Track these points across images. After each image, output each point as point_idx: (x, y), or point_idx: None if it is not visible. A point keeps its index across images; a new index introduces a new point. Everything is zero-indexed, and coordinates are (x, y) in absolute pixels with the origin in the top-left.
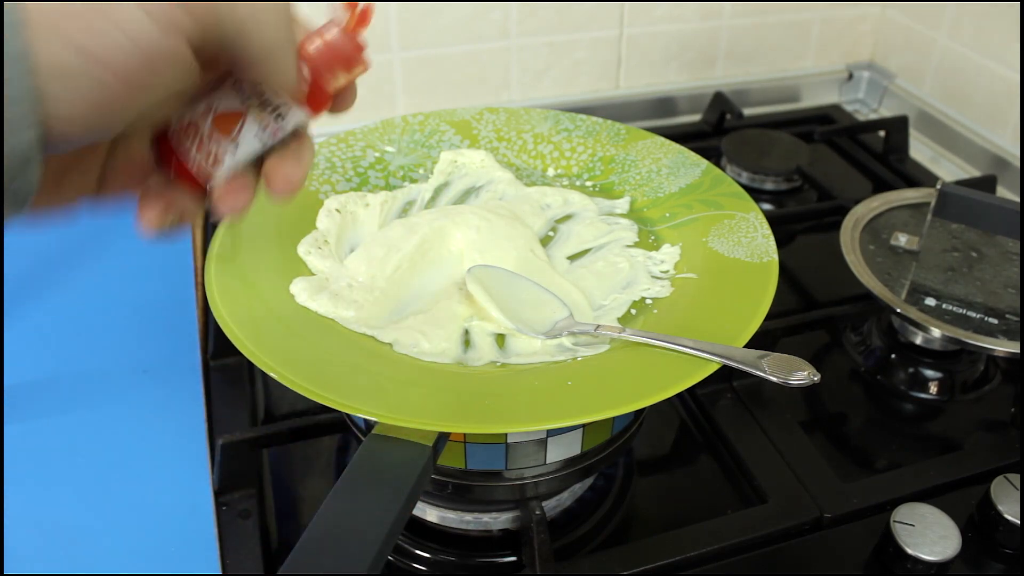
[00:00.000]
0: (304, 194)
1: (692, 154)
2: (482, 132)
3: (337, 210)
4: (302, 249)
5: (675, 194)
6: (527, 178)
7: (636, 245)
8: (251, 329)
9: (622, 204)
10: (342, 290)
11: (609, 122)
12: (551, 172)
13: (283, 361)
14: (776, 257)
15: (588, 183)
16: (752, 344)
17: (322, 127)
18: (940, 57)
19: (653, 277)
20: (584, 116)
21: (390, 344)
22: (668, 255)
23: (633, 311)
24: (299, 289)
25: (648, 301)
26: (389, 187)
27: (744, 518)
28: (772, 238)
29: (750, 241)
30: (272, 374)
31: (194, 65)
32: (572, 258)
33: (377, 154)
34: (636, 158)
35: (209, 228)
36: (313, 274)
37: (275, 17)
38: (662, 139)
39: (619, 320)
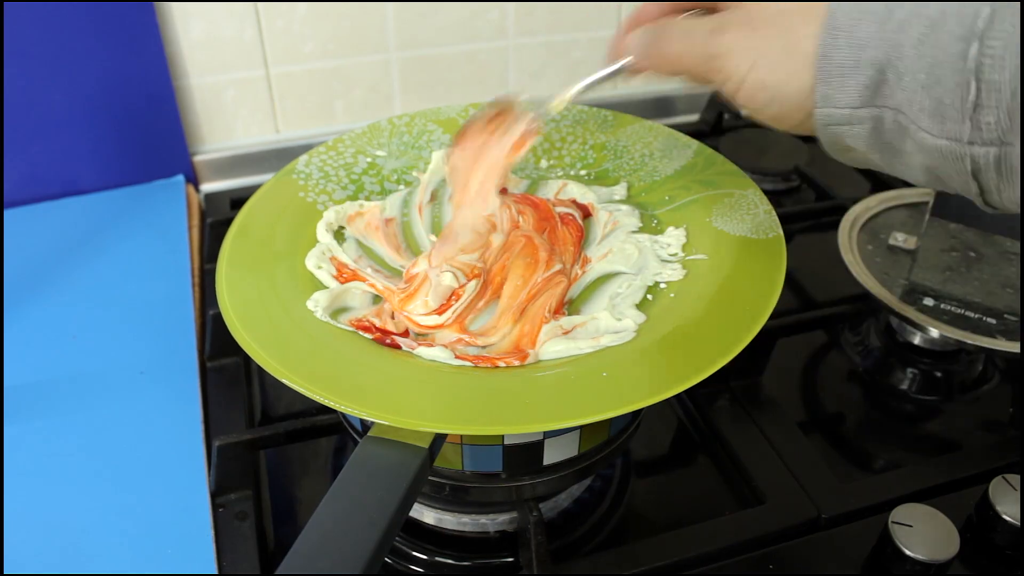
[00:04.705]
0: (301, 205)
1: (682, 135)
2: None
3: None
4: (311, 263)
5: (671, 176)
6: (521, 171)
7: (640, 230)
8: (249, 324)
9: (620, 190)
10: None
11: (595, 109)
12: (544, 164)
13: (281, 358)
14: (781, 232)
15: (582, 172)
16: (752, 343)
17: (314, 128)
18: None
19: (663, 261)
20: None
21: None
22: (675, 238)
23: (649, 296)
24: (317, 306)
25: (662, 285)
26: (385, 192)
27: (742, 519)
28: (774, 212)
29: (753, 218)
30: (271, 371)
31: None
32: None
33: (369, 159)
34: (627, 143)
35: (206, 229)
36: (326, 287)
37: None
38: (649, 122)
39: (636, 306)
